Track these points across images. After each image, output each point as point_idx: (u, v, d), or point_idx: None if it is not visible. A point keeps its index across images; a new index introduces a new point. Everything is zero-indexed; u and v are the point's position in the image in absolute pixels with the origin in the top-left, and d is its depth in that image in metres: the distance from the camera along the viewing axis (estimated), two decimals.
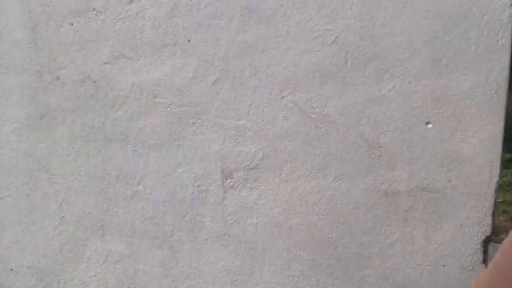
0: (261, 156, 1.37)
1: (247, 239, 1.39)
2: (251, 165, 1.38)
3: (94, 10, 1.44)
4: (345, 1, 1.33)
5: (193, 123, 1.40)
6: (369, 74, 1.33)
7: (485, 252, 1.31)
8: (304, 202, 1.36)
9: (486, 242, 1.31)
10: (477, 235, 1.31)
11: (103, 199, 1.46)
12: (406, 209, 1.29)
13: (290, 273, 1.38)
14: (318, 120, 1.34)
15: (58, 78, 1.48)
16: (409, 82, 1.28)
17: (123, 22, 1.43)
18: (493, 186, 1.30)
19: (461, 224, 1.32)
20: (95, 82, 1.45)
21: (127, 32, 1.43)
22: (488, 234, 1.32)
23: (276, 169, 1.37)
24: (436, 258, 1.28)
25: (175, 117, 1.41)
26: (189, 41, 1.40)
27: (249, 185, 1.38)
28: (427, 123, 1.27)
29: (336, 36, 1.33)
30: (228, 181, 1.39)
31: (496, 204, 1.34)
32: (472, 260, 1.31)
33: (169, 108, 1.41)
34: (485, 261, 1.31)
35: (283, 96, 1.36)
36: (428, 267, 1.29)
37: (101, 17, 1.44)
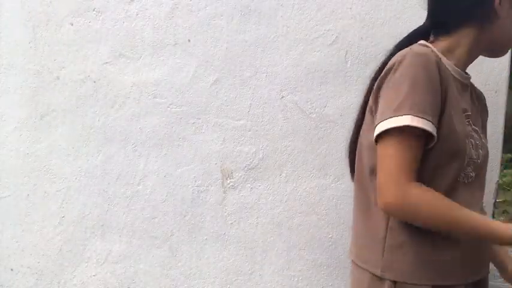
0: (261, 156, 1.37)
1: (247, 239, 1.39)
2: (251, 165, 1.38)
3: (94, 10, 1.44)
4: (345, 1, 1.33)
5: (193, 123, 1.40)
6: (369, 74, 1.32)
7: None
8: (304, 202, 1.36)
9: None
10: None
11: (103, 199, 1.46)
12: None
13: (290, 273, 1.38)
14: (318, 120, 1.34)
15: (58, 78, 1.48)
16: None
17: (123, 22, 1.43)
18: (493, 186, 1.30)
19: None
20: (95, 82, 1.45)
21: (127, 32, 1.43)
22: None
23: (276, 169, 1.37)
24: None
25: (175, 117, 1.41)
26: (189, 41, 1.40)
27: (249, 185, 1.38)
28: None
29: (336, 36, 1.33)
30: (228, 181, 1.39)
31: (496, 204, 1.33)
32: None
33: (169, 108, 1.41)
34: None
35: (283, 96, 1.36)
36: None
37: (101, 17, 1.44)
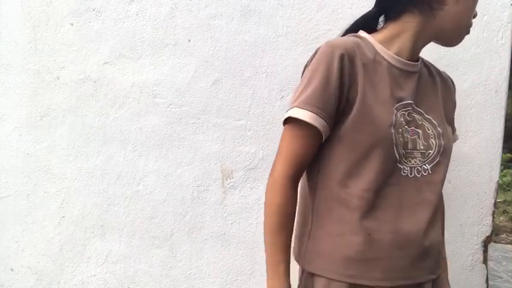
0: (261, 156, 1.37)
1: (247, 239, 1.39)
2: (251, 165, 1.38)
3: (94, 10, 1.44)
4: (345, 1, 1.33)
5: (193, 123, 1.40)
6: None
7: (485, 252, 1.31)
8: None
9: (486, 242, 1.31)
10: (477, 235, 1.31)
11: (103, 199, 1.46)
12: None
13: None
14: None
15: (58, 78, 1.48)
16: None
17: (123, 22, 1.43)
18: (493, 186, 1.30)
19: (461, 224, 1.32)
20: (95, 82, 1.45)
21: (127, 32, 1.43)
22: (488, 234, 1.32)
23: None
24: None
25: (175, 117, 1.41)
26: (189, 41, 1.40)
27: (249, 185, 1.38)
28: None
29: (336, 36, 1.33)
30: (228, 181, 1.39)
31: (495, 204, 1.34)
32: (472, 260, 1.31)
33: (169, 108, 1.41)
34: (485, 261, 1.31)
35: (283, 96, 1.36)
36: None
37: (100, 17, 1.44)
